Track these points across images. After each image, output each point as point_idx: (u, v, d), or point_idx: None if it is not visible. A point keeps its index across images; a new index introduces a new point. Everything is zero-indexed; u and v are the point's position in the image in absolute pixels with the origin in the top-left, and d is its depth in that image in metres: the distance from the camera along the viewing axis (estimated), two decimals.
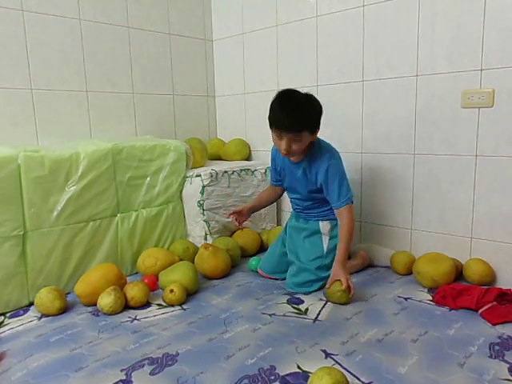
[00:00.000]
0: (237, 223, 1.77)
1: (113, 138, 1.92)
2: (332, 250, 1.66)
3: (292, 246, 1.75)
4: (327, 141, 1.68)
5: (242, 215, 1.78)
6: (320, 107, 1.56)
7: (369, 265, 1.88)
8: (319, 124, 1.56)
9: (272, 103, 1.55)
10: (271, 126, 1.54)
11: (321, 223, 1.70)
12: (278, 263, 1.77)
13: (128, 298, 1.51)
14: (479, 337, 1.26)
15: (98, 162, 1.71)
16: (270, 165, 1.85)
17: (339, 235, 1.61)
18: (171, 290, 1.53)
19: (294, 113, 1.48)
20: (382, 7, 1.81)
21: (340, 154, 1.67)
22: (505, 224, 1.63)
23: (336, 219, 1.66)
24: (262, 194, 1.91)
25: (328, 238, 1.69)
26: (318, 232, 1.71)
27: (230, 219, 2.05)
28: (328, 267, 1.64)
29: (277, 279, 1.76)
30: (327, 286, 1.54)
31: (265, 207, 1.95)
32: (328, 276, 1.61)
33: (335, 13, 1.96)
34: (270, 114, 1.54)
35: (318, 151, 1.62)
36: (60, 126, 1.94)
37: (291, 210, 1.86)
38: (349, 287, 1.49)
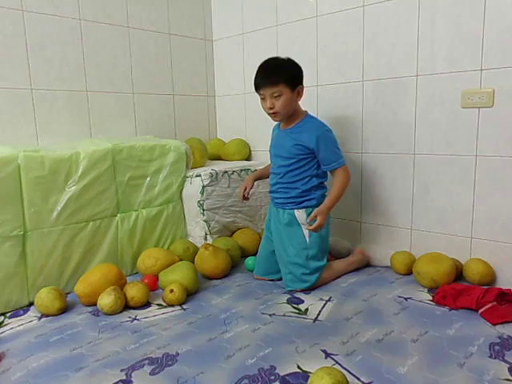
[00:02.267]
0: (245, 194, 1.81)
1: (113, 138, 1.92)
2: (314, 241, 1.65)
3: (277, 244, 1.72)
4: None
5: (249, 185, 1.83)
6: (298, 66, 1.64)
7: (367, 264, 1.89)
8: (298, 81, 1.63)
9: None
10: (255, 90, 1.66)
11: (296, 212, 1.66)
12: (269, 264, 1.76)
13: (128, 298, 1.51)
14: (479, 337, 1.26)
15: (98, 162, 1.71)
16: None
17: (332, 186, 1.65)
18: (171, 290, 1.53)
19: (269, 67, 1.63)
20: (382, 7, 1.81)
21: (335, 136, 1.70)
22: (505, 224, 1.63)
23: (311, 207, 1.66)
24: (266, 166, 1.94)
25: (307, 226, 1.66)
26: (295, 223, 1.67)
27: (230, 219, 2.06)
28: (316, 257, 1.66)
29: (273, 280, 1.76)
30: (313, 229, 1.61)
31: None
32: (320, 266, 1.65)
33: (335, 13, 1.96)
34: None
35: (309, 121, 1.68)
36: (60, 126, 1.94)
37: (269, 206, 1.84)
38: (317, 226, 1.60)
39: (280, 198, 1.72)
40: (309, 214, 1.66)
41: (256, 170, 2.13)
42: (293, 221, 1.67)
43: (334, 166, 1.63)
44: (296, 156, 1.64)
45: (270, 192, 1.79)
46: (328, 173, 1.71)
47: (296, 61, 1.66)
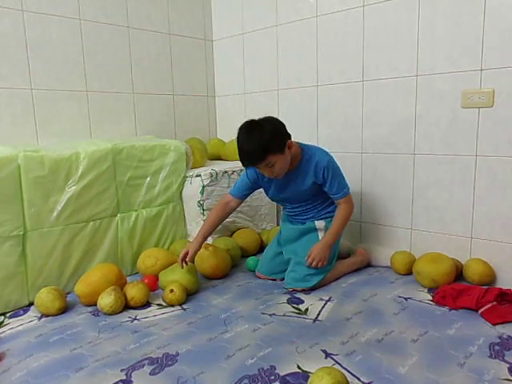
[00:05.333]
0: (184, 264, 1.63)
1: (113, 138, 1.93)
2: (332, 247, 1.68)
3: (288, 243, 1.75)
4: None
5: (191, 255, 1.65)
6: (276, 127, 1.54)
7: (368, 264, 1.89)
8: (283, 142, 1.53)
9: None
10: (243, 165, 1.58)
11: (316, 222, 1.71)
12: (274, 264, 1.77)
13: (128, 298, 1.51)
14: (479, 337, 1.26)
15: (98, 161, 1.71)
16: None
17: (334, 219, 1.66)
18: (171, 290, 1.53)
19: (249, 146, 1.49)
20: (382, 7, 1.81)
21: (331, 153, 1.68)
22: (505, 224, 1.63)
23: (331, 217, 1.70)
24: (210, 219, 1.73)
25: (324, 232, 1.70)
26: (314, 230, 1.72)
27: (230, 219, 2.05)
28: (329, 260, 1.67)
29: (275, 280, 1.76)
30: (310, 262, 1.62)
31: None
32: (327, 270, 1.67)
33: (335, 13, 1.96)
34: None
35: (306, 158, 1.63)
36: (60, 126, 1.94)
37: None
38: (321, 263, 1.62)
39: (301, 218, 1.75)
40: (329, 222, 1.69)
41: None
42: (312, 228, 1.72)
43: (340, 196, 1.64)
44: (312, 192, 1.66)
45: (288, 215, 1.80)
46: None
47: (270, 118, 1.55)
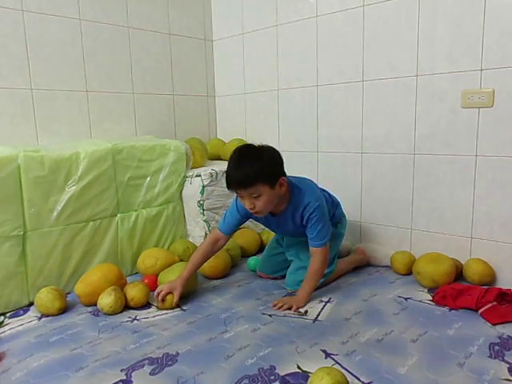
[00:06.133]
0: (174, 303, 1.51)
1: (113, 138, 1.93)
2: (331, 246, 1.65)
3: (291, 247, 1.74)
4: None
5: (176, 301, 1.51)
6: (274, 158, 1.46)
7: (367, 263, 1.89)
8: (277, 175, 1.45)
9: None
10: (228, 188, 1.47)
11: None
12: (275, 262, 1.78)
13: (128, 298, 1.51)
14: (479, 337, 1.26)
15: (98, 161, 1.71)
16: None
17: (307, 272, 1.55)
18: (163, 300, 1.49)
19: (241, 167, 1.41)
20: (382, 7, 1.81)
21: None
22: (505, 224, 1.63)
23: (335, 223, 1.70)
24: (195, 259, 1.59)
25: None
26: None
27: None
28: (328, 263, 1.66)
29: (277, 278, 1.76)
30: (275, 303, 1.50)
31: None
32: (329, 272, 1.65)
33: (335, 13, 1.96)
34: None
35: (296, 203, 1.53)
36: (60, 126, 1.94)
37: None
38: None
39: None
40: (333, 225, 1.65)
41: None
42: None
43: (317, 244, 1.53)
44: (304, 227, 1.56)
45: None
46: (337, 199, 1.76)
47: (270, 147, 1.48)
